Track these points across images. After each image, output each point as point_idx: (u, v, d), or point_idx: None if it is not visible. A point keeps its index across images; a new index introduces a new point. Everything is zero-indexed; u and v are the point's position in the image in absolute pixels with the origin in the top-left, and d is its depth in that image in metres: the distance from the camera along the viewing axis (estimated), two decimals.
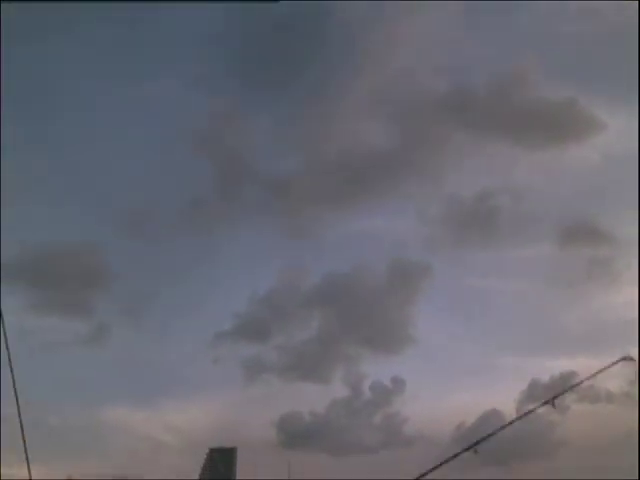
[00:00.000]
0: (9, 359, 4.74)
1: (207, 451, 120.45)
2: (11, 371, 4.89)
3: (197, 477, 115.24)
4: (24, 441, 5.00)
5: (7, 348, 4.79)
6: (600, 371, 6.86)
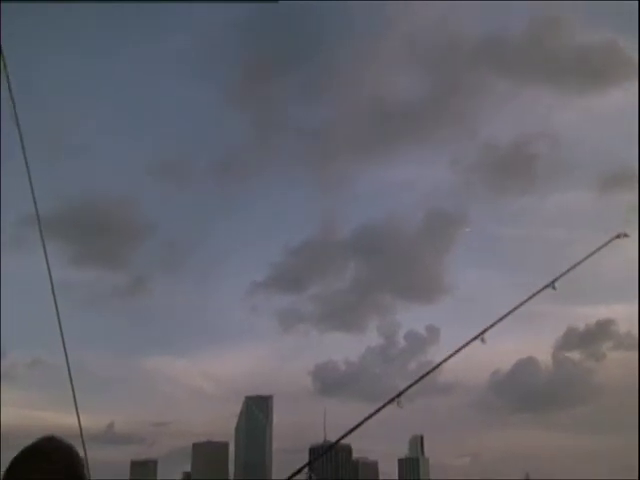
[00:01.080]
0: (56, 310, 4.25)
1: (244, 399, 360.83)
2: (59, 322, 4.23)
3: (235, 424, 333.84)
4: (73, 390, 4.19)
5: (55, 299, 4.24)
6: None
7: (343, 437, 3.85)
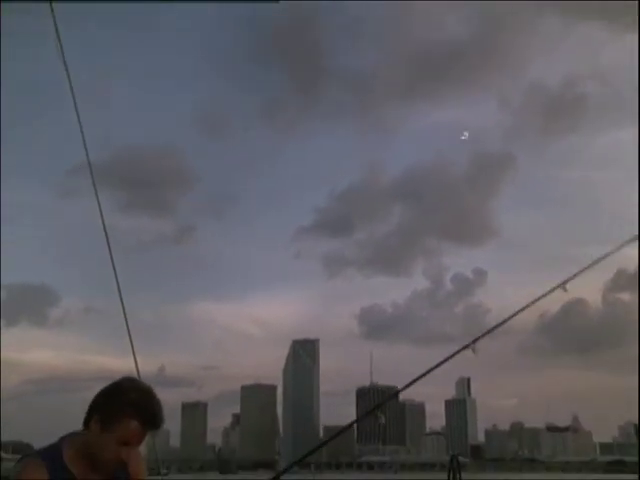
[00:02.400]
0: (111, 257, 5.51)
1: (291, 343, 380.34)
2: (113, 268, 5.11)
3: (282, 367, 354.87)
4: (129, 335, 5.29)
5: (109, 245, 4.91)
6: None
7: (413, 382, 3.38)
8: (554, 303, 3.87)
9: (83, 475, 2.72)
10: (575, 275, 3.97)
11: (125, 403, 2.65)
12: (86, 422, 2.75)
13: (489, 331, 3.40)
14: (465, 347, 3.28)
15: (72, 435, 2.80)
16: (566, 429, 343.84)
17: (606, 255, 4.15)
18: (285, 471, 3.10)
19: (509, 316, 3.65)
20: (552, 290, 3.82)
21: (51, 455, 2.70)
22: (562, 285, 3.82)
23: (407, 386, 3.34)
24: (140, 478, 2.92)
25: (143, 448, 3.03)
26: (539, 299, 3.82)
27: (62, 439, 2.79)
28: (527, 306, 3.75)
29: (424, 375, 3.32)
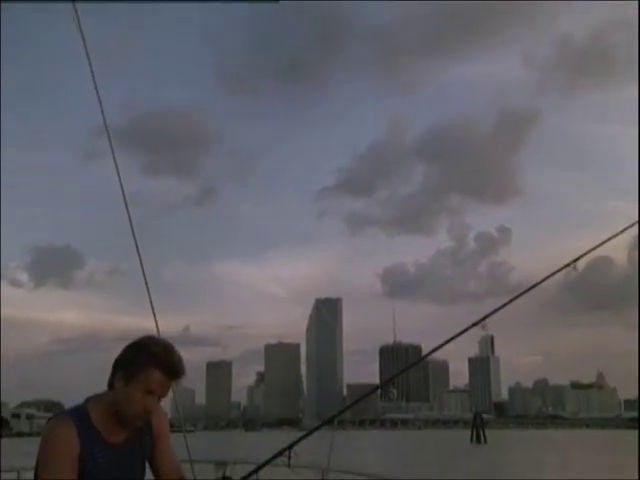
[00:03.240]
0: (129, 220, 5.11)
1: (314, 302, 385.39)
2: (132, 231, 4.80)
3: (305, 326, 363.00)
4: (149, 295, 5.10)
5: (127, 209, 4.58)
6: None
7: (439, 347, 3.24)
8: (580, 260, 3.72)
9: (110, 433, 2.82)
10: (585, 254, 3.80)
11: (146, 355, 2.77)
12: (110, 383, 2.84)
13: (499, 309, 3.27)
14: (474, 324, 3.16)
15: (98, 396, 2.88)
16: (590, 386, 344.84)
17: (611, 237, 3.93)
18: (315, 430, 3.05)
19: (520, 293, 3.50)
20: (561, 269, 3.67)
21: (79, 414, 2.79)
22: (573, 263, 3.68)
23: (428, 354, 3.24)
24: (164, 434, 3.02)
25: (168, 406, 3.20)
26: (547, 279, 3.66)
27: (88, 400, 2.87)
28: (537, 284, 3.59)
29: (440, 347, 3.21)
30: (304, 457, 2.86)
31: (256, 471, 2.79)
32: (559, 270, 3.64)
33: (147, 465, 3.00)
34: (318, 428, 3.01)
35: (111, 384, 2.82)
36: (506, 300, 3.40)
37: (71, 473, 2.67)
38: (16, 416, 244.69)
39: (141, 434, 2.91)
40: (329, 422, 3.31)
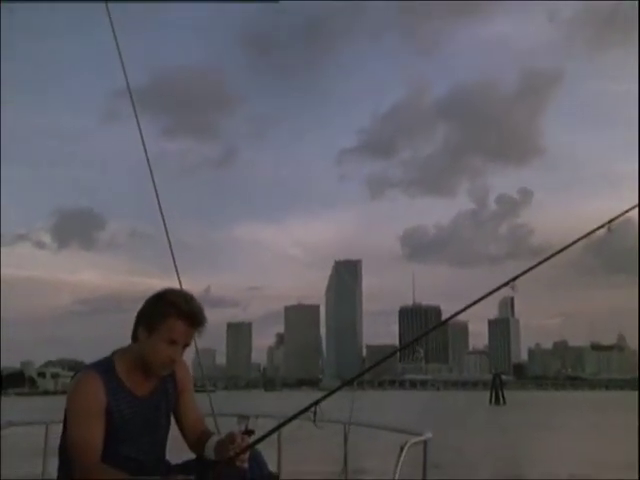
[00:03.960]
0: (152, 181, 4.92)
1: (333, 263, 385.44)
2: (155, 191, 4.62)
3: (325, 287, 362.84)
4: (172, 255, 4.93)
5: (150, 171, 4.51)
6: None
7: (466, 309, 3.13)
8: (600, 220, 3.63)
9: (136, 385, 2.88)
10: (621, 215, 3.70)
11: (167, 305, 2.82)
12: (134, 335, 2.90)
13: (530, 269, 3.24)
14: (504, 284, 3.13)
15: (123, 349, 2.94)
16: (611, 347, 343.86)
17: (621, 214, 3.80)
18: (340, 388, 3.10)
19: (553, 253, 3.45)
20: (595, 230, 3.59)
21: (104, 368, 2.84)
22: (607, 225, 3.60)
23: (454, 315, 3.23)
24: (188, 387, 3.08)
25: (190, 366, 3.17)
26: (582, 239, 3.60)
27: (114, 353, 2.93)
28: (568, 246, 3.54)
29: (464, 310, 3.20)
30: (326, 415, 2.90)
31: (281, 426, 2.85)
32: (594, 231, 3.53)
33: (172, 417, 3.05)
34: (341, 387, 3.05)
35: (135, 337, 2.88)
36: (537, 261, 3.36)
37: (99, 425, 2.73)
38: (42, 375, 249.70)
39: (166, 386, 2.96)
40: (350, 383, 3.34)
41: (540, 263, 3.32)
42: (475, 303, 3.17)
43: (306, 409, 2.67)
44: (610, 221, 3.40)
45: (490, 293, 3.08)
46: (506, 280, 3.12)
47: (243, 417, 3.73)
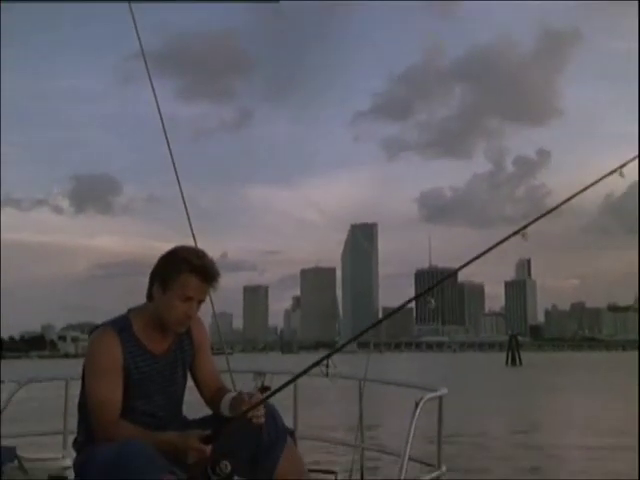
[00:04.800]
0: (167, 143, 4.46)
1: (349, 227, 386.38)
2: (170, 154, 4.63)
3: (341, 251, 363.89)
4: (189, 220, 4.66)
5: (166, 135, 4.59)
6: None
7: (466, 265, 3.14)
8: (620, 184, 3.57)
9: (152, 343, 2.91)
10: (631, 160, 3.64)
11: (180, 261, 2.84)
12: (149, 294, 2.92)
13: (540, 217, 3.19)
14: (515, 233, 3.09)
15: (139, 307, 2.96)
16: (628, 308, 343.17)
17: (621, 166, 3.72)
18: (343, 346, 3.12)
19: (563, 201, 3.41)
20: (607, 175, 3.54)
21: (121, 326, 2.87)
22: (619, 170, 3.55)
23: (461, 268, 3.20)
24: (204, 344, 3.09)
25: (207, 330, 3.17)
26: (592, 185, 3.54)
27: (130, 311, 2.95)
28: (582, 190, 3.48)
29: (477, 258, 3.17)
30: (340, 374, 2.91)
31: (295, 379, 2.84)
32: (605, 176, 3.50)
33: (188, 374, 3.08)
34: (356, 338, 3.06)
35: (150, 296, 2.90)
36: (548, 209, 3.31)
37: (117, 382, 2.77)
38: (62, 338, 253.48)
39: (182, 344, 2.99)
40: (365, 332, 3.33)
41: (552, 210, 3.28)
42: (487, 252, 3.12)
43: (318, 362, 2.68)
44: (622, 166, 3.37)
45: (501, 242, 3.05)
46: (516, 229, 3.08)
47: (259, 374, 3.77)
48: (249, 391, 2.90)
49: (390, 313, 3.18)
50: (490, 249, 3.04)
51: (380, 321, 3.77)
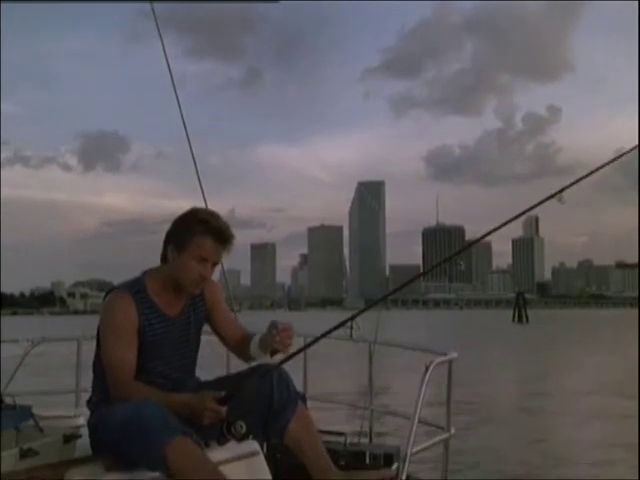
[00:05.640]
0: (177, 100, 4.39)
1: (356, 185, 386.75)
2: (180, 111, 4.47)
3: (348, 209, 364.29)
4: (198, 177, 4.59)
5: (175, 92, 4.45)
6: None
7: (488, 234, 3.15)
8: (632, 139, 3.50)
9: (167, 305, 2.93)
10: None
11: (194, 223, 2.86)
12: (163, 256, 2.95)
13: (578, 180, 3.16)
14: (551, 196, 3.05)
15: (154, 269, 2.98)
16: (635, 265, 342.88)
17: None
18: (373, 305, 3.14)
19: (599, 166, 3.35)
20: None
21: (136, 288, 2.89)
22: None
23: (492, 231, 3.18)
24: (219, 300, 3.12)
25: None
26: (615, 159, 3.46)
27: (144, 273, 2.97)
28: (624, 154, 3.41)
29: (500, 228, 3.15)
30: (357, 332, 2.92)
31: (317, 340, 2.83)
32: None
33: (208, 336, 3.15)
34: (372, 306, 3.07)
35: (164, 258, 2.93)
36: (585, 173, 3.25)
37: (132, 344, 2.81)
38: (71, 295, 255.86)
39: (195, 305, 3.01)
40: (383, 300, 3.35)
41: (591, 173, 3.22)
42: (521, 214, 3.10)
43: (342, 323, 2.69)
44: None
45: (537, 204, 3.01)
46: (553, 192, 3.03)
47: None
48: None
49: (404, 284, 3.13)
50: (524, 212, 3.02)
51: (397, 290, 3.76)
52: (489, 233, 3.14)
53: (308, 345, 2.86)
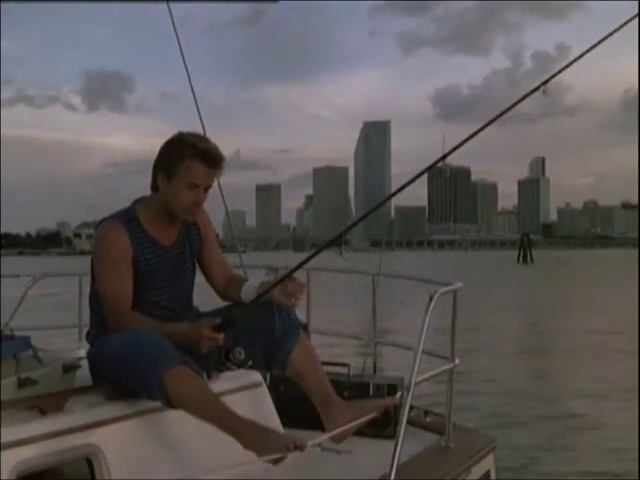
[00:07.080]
0: (177, 38, 4.24)
1: (362, 125, 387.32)
2: (180, 49, 4.19)
3: (353, 149, 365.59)
4: (200, 118, 4.42)
5: (174, 26, 3.86)
6: None
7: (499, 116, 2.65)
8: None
9: (160, 235, 2.85)
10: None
11: (182, 147, 2.75)
12: (153, 185, 2.85)
13: (561, 70, 3.02)
14: (535, 89, 2.91)
15: (145, 198, 2.90)
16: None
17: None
18: (360, 220, 3.30)
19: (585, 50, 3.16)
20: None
21: (128, 218, 2.80)
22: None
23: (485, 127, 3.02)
24: (210, 233, 3.03)
25: (220, 228, 3.07)
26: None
27: (135, 202, 2.89)
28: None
29: (499, 117, 3.02)
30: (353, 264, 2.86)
31: (308, 260, 2.77)
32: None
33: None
34: (366, 215, 3.03)
35: (154, 187, 2.83)
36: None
37: (127, 274, 2.75)
38: (77, 235, 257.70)
39: (190, 234, 2.94)
40: (375, 209, 3.31)
41: (573, 62, 3.05)
42: (501, 115, 2.99)
43: (332, 241, 2.64)
44: None
45: (521, 100, 2.90)
46: (537, 85, 2.90)
47: (271, 269, 3.74)
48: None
49: (400, 188, 2.98)
50: (506, 111, 2.89)
51: (391, 197, 3.60)
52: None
53: (304, 261, 2.78)
